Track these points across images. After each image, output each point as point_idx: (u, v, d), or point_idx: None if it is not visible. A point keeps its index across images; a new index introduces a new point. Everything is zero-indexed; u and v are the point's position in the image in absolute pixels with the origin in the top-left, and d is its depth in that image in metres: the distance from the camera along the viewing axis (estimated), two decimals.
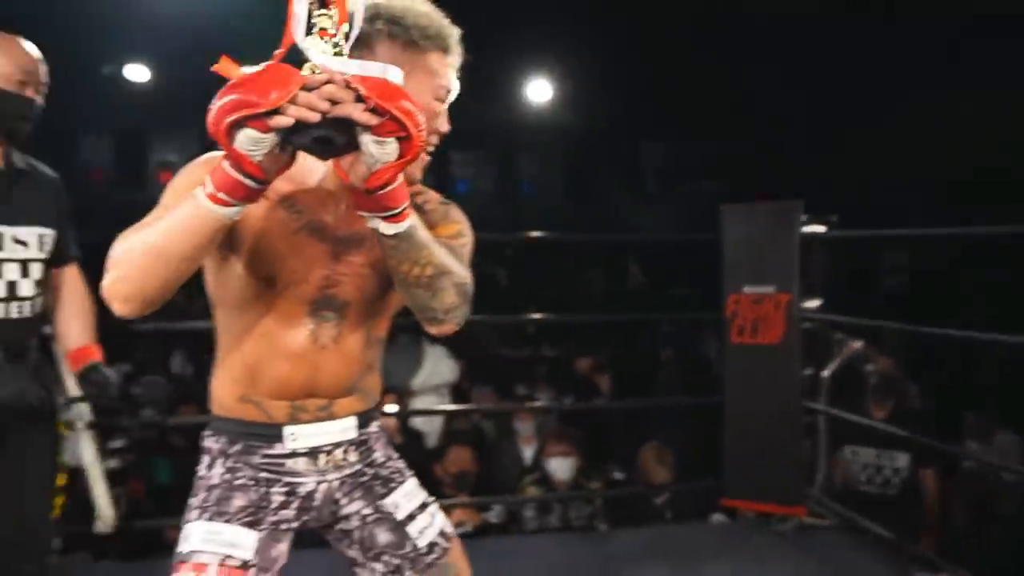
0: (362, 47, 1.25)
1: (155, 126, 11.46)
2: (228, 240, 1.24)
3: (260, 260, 1.26)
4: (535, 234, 4.21)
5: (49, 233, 2.04)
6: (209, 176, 1.08)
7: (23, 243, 1.98)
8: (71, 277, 2.16)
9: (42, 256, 2.02)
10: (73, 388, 2.26)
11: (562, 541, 3.26)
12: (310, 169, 1.29)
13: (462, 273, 1.28)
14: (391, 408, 3.75)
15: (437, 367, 4.52)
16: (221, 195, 1.07)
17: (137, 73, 10.00)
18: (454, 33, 1.33)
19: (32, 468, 2.02)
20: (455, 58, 1.34)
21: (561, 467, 3.41)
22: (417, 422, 4.31)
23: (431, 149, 1.32)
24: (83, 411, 2.37)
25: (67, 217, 2.12)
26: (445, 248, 1.28)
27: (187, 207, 1.10)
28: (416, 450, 3.82)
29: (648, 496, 3.53)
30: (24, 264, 1.98)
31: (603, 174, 12.22)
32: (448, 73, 1.32)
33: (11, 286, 1.95)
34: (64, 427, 2.26)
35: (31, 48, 1.97)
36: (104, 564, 2.97)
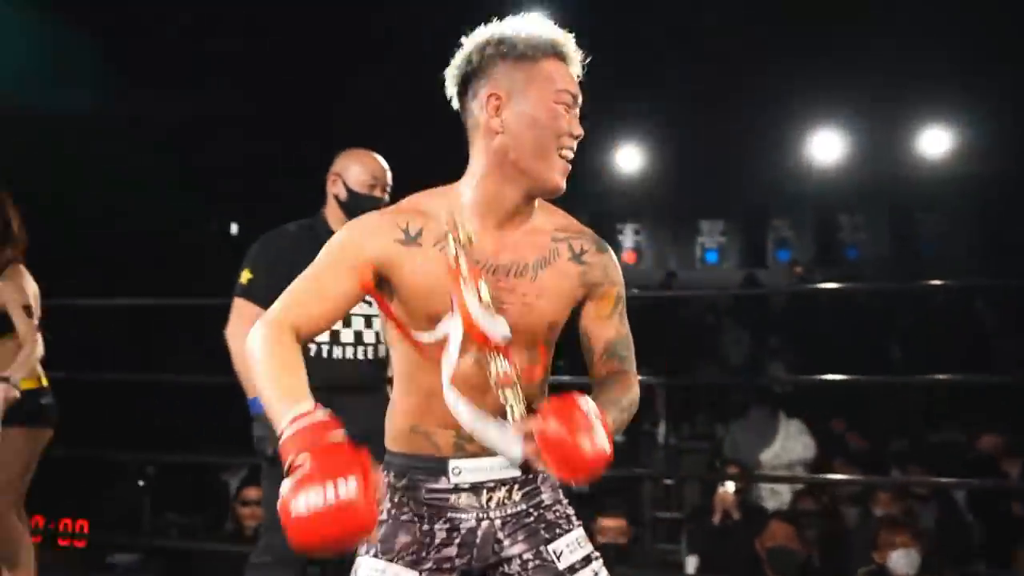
0: (479, 76, 1.35)
1: None
2: (389, 288, 1.35)
3: (425, 299, 1.32)
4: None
5: None
6: (292, 442, 1.13)
7: (368, 302, 2.28)
8: None
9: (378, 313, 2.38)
10: None
11: None
12: (455, 214, 1.34)
13: (635, 392, 1.41)
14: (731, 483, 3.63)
15: (791, 443, 4.27)
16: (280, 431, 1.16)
17: None
18: (566, 39, 1.36)
19: None
20: (574, 63, 1.37)
21: (904, 561, 2.97)
22: (763, 500, 4.08)
23: (569, 154, 1.35)
24: None
25: None
26: (619, 358, 1.43)
27: (270, 405, 1.22)
28: (754, 528, 3.62)
29: None
30: (368, 318, 2.43)
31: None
32: (567, 77, 1.35)
33: (358, 335, 2.41)
34: None
35: (380, 159, 2.52)
36: None
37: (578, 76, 1.39)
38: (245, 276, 2.41)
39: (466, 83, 1.37)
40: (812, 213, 11.67)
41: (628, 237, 12.42)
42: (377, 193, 2.46)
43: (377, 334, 2.44)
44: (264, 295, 2.25)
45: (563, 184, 1.36)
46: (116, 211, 6.48)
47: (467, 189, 1.38)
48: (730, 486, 3.61)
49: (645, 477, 4.53)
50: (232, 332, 2.39)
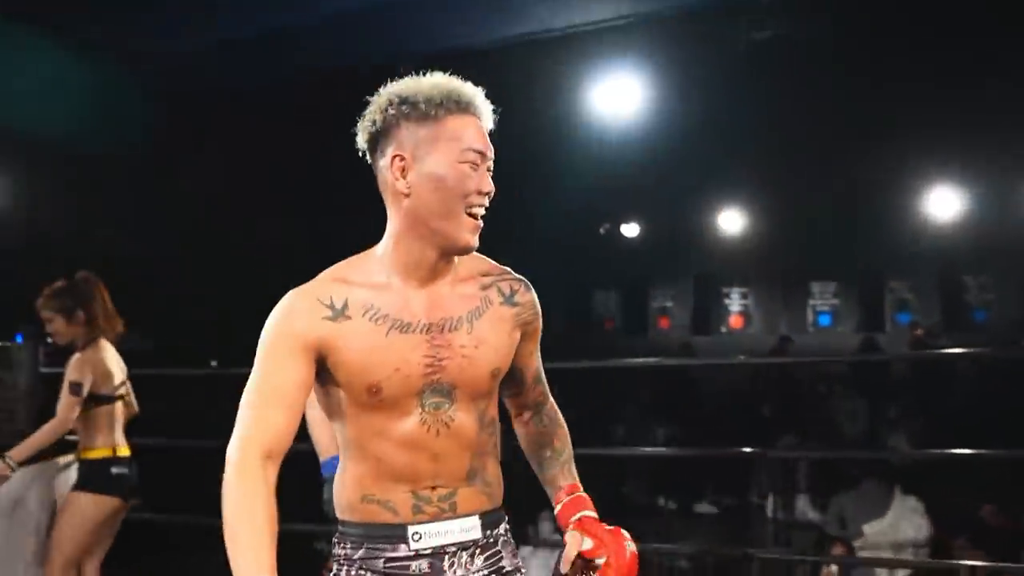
0: (385, 137, 1.34)
1: (652, 276, 12.38)
2: (323, 368, 1.33)
3: (361, 374, 1.32)
4: None
5: None
6: None
7: None
8: None
9: None
10: None
11: None
12: (378, 278, 1.37)
13: (565, 427, 1.59)
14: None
15: (903, 521, 3.96)
16: None
17: (630, 230, 11.37)
18: (472, 94, 1.35)
19: None
20: (483, 117, 1.36)
21: None
22: None
23: (479, 211, 1.34)
24: None
25: None
26: (543, 383, 1.56)
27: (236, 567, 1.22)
28: None
29: None
30: None
31: None
32: (473, 134, 1.34)
33: None
34: None
35: None
36: None
37: (488, 129, 1.38)
38: None
39: (374, 143, 1.37)
40: (933, 273, 11.07)
41: (735, 301, 12.07)
42: None
43: None
44: None
45: (474, 242, 1.36)
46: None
47: (385, 251, 1.39)
48: (835, 568, 3.36)
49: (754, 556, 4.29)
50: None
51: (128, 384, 3.23)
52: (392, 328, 1.34)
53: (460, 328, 1.37)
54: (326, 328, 1.32)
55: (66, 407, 2.99)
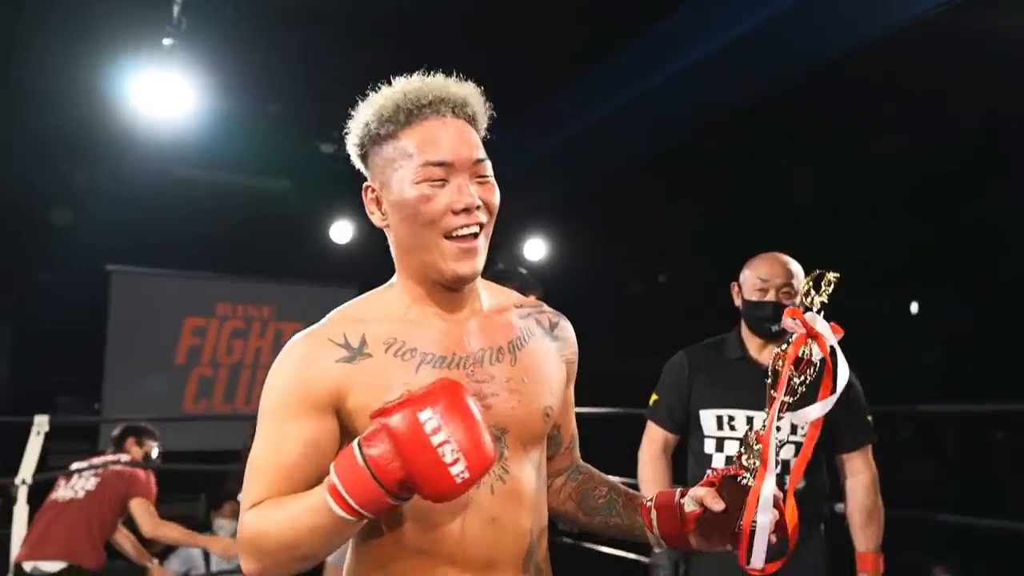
0: (364, 164, 1.17)
1: None
2: (351, 421, 1.08)
3: None
4: None
5: None
6: (341, 482, 0.95)
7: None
8: (859, 463, 2.26)
9: (795, 440, 2.12)
10: None
11: None
12: (398, 312, 1.15)
13: None
14: None
15: None
16: (358, 508, 0.96)
17: None
18: (435, 93, 1.11)
19: None
20: (460, 114, 1.12)
21: None
22: None
23: (464, 231, 1.10)
24: None
25: (855, 408, 2.22)
26: (576, 447, 1.33)
27: (320, 514, 0.97)
28: None
29: None
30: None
31: None
32: (433, 143, 1.09)
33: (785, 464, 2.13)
34: None
35: (779, 259, 2.26)
36: None
37: (479, 123, 1.15)
38: (652, 398, 2.38)
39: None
40: None
41: None
42: (770, 297, 2.23)
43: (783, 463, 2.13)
44: (663, 416, 2.33)
45: (464, 270, 1.11)
46: None
47: (395, 285, 1.19)
48: None
49: None
50: (640, 452, 2.36)
51: None
52: (423, 363, 1.09)
53: (503, 359, 1.14)
54: (341, 372, 1.08)
55: None
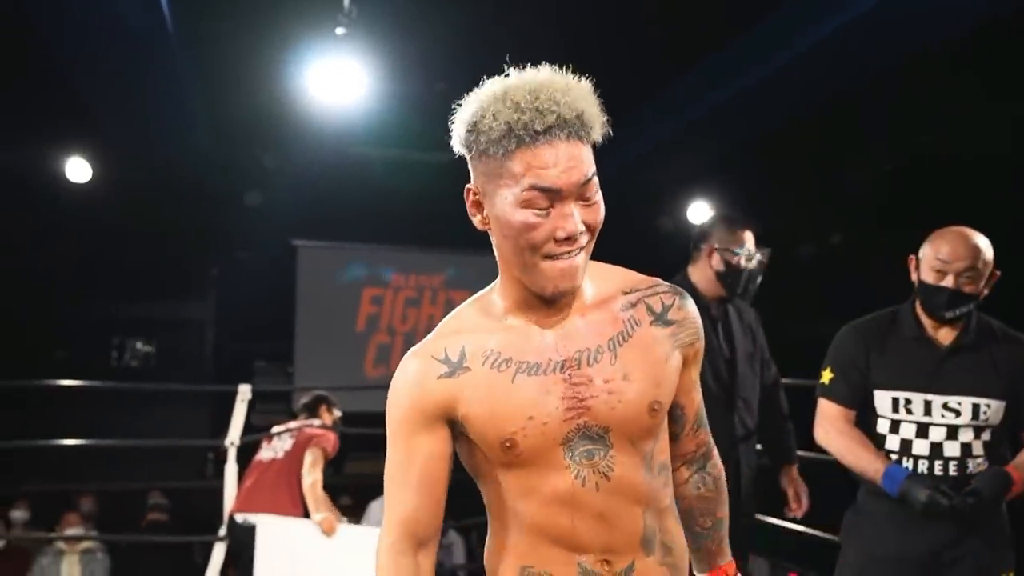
0: (466, 162, 1.14)
1: None
2: (456, 428, 1.16)
3: (492, 429, 1.13)
4: None
5: (988, 403, 2.11)
6: None
7: (954, 411, 2.12)
8: None
9: (976, 423, 2.10)
10: None
11: None
12: (494, 320, 1.19)
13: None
14: None
15: None
16: None
17: None
18: (548, 116, 1.05)
19: None
20: (570, 138, 1.06)
21: None
22: None
23: (564, 255, 1.09)
24: None
25: None
26: (704, 427, 1.29)
27: None
28: None
29: None
30: (952, 429, 2.11)
31: None
32: (537, 169, 1.06)
33: (936, 447, 2.11)
34: None
35: (965, 236, 2.08)
36: None
37: (592, 141, 1.10)
38: (826, 376, 2.28)
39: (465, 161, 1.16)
40: None
41: None
42: (947, 283, 2.07)
43: (964, 445, 2.12)
44: (844, 395, 2.23)
45: (565, 286, 1.11)
46: None
47: (496, 289, 1.21)
48: None
49: None
50: (818, 434, 2.28)
51: None
52: (518, 372, 1.14)
53: (601, 359, 1.15)
54: (444, 388, 1.14)
55: None
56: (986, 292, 2.12)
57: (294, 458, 3.73)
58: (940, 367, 2.13)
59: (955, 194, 5.29)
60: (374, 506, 4.91)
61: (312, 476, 3.64)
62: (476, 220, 1.15)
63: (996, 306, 2.21)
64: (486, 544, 1.25)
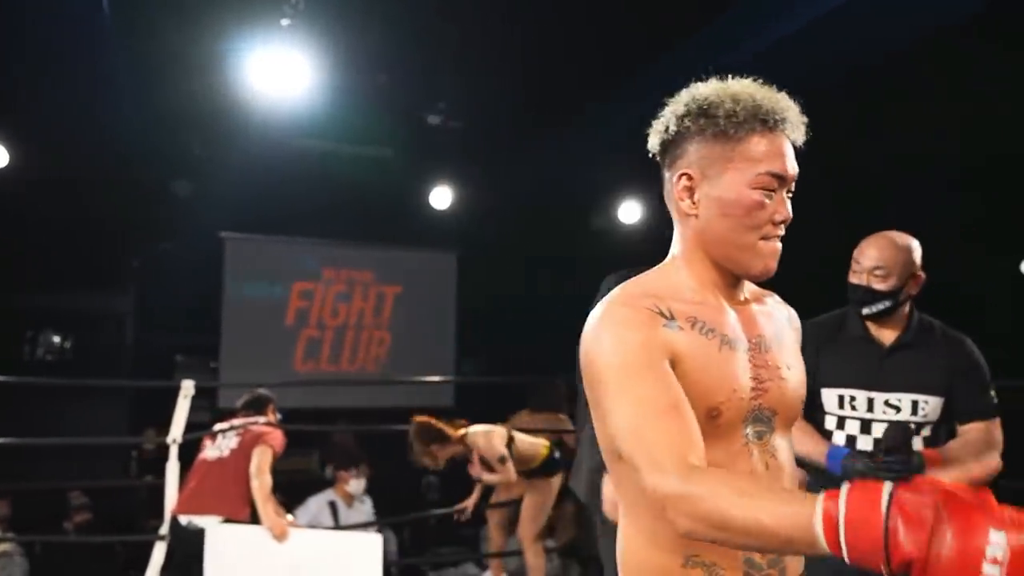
0: (675, 148, 1.21)
1: None
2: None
3: (702, 394, 1.12)
4: None
5: (926, 399, 2.20)
6: (846, 522, 0.86)
7: (895, 407, 2.21)
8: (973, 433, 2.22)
9: (916, 419, 2.19)
10: None
11: None
12: (688, 293, 1.21)
13: None
14: None
15: None
16: (845, 551, 0.87)
17: None
18: (782, 106, 1.17)
19: None
20: (793, 131, 1.18)
21: None
22: None
23: (776, 238, 1.19)
24: None
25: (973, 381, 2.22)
26: None
27: (796, 530, 0.90)
28: None
29: None
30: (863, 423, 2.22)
31: None
32: (774, 154, 1.16)
33: (879, 443, 2.14)
34: None
35: (886, 240, 2.21)
36: None
37: (798, 142, 1.20)
38: None
39: (664, 150, 1.24)
40: None
41: None
42: (860, 280, 2.22)
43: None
44: None
45: (772, 267, 1.20)
46: None
47: (680, 268, 1.24)
48: None
49: None
50: None
51: None
52: (723, 344, 1.17)
53: (772, 348, 1.23)
54: (668, 336, 1.13)
55: None
56: (912, 292, 2.24)
57: (242, 456, 3.65)
58: (882, 365, 2.24)
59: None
60: (311, 502, 4.85)
61: (261, 477, 3.58)
62: (684, 204, 1.21)
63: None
64: (624, 535, 1.20)
